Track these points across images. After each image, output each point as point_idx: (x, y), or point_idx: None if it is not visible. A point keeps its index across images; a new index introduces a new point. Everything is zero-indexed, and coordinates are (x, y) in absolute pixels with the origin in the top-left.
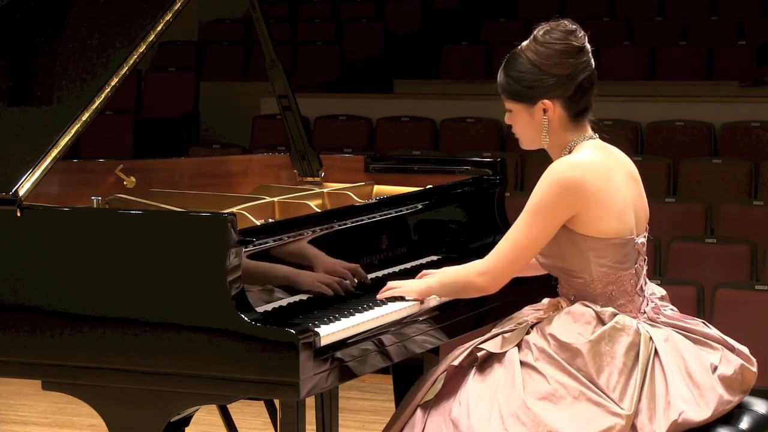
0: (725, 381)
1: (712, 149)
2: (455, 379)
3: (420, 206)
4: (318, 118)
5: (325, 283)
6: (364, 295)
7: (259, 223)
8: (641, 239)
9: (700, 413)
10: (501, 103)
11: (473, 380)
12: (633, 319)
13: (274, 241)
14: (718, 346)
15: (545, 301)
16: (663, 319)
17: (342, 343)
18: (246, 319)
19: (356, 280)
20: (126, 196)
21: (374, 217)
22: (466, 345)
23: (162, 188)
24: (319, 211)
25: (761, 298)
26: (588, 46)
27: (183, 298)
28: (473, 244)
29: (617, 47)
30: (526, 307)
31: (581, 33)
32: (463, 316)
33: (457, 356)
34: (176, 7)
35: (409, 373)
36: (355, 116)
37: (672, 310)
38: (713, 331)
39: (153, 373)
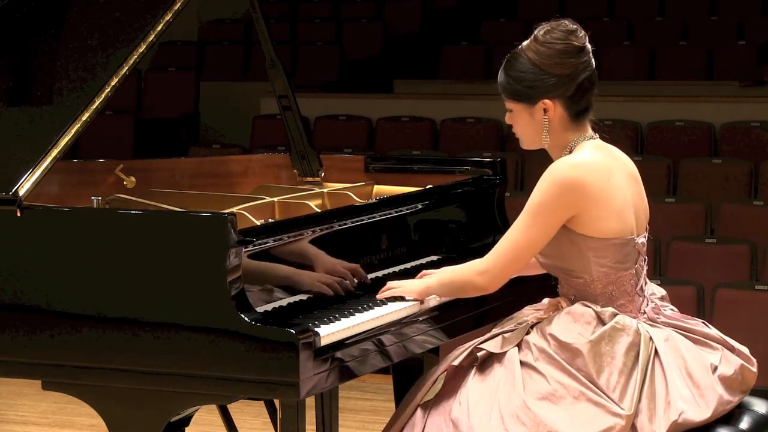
0: (725, 381)
1: (712, 149)
2: (455, 379)
3: (420, 206)
4: (318, 118)
5: (325, 283)
6: (364, 295)
7: (259, 223)
8: (641, 239)
9: (700, 413)
10: (501, 103)
11: (473, 380)
12: (633, 320)
13: (274, 241)
14: (718, 346)
15: (545, 301)
16: (663, 319)
17: (342, 343)
18: (246, 319)
19: (356, 280)
20: (126, 196)
21: (374, 217)
22: (466, 345)
23: (162, 188)
24: (319, 211)
25: (761, 298)
26: (588, 46)
27: (183, 298)
28: (473, 244)
29: (617, 47)
30: (527, 307)
31: (582, 33)
32: (463, 316)
33: (457, 356)
34: (176, 7)
35: (409, 373)
36: (355, 116)
37: (672, 310)
38: (713, 331)
39: (153, 373)
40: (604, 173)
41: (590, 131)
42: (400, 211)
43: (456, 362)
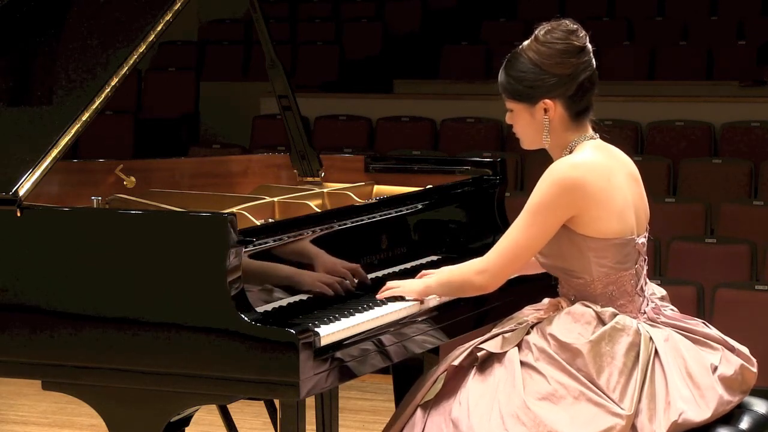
0: (725, 381)
1: (712, 149)
2: (455, 379)
3: (420, 206)
4: (318, 118)
5: (325, 283)
6: (364, 295)
7: (259, 223)
8: (642, 239)
9: (700, 413)
10: (501, 103)
11: (473, 380)
12: (633, 320)
13: (274, 241)
14: (718, 346)
15: (545, 301)
16: (663, 319)
17: (342, 343)
18: (246, 319)
19: (356, 280)
20: (126, 196)
21: (374, 217)
22: (466, 345)
23: (162, 188)
24: (319, 211)
25: (761, 298)
26: (589, 45)
27: (183, 298)
28: (473, 244)
29: (617, 47)
30: (527, 307)
31: (582, 33)
32: (463, 316)
33: (457, 356)
34: (176, 7)
35: (409, 373)
36: (355, 116)
37: (672, 310)
38: (713, 332)
39: (153, 373)
40: (605, 173)
41: (591, 131)
42: (400, 211)
43: (456, 362)
